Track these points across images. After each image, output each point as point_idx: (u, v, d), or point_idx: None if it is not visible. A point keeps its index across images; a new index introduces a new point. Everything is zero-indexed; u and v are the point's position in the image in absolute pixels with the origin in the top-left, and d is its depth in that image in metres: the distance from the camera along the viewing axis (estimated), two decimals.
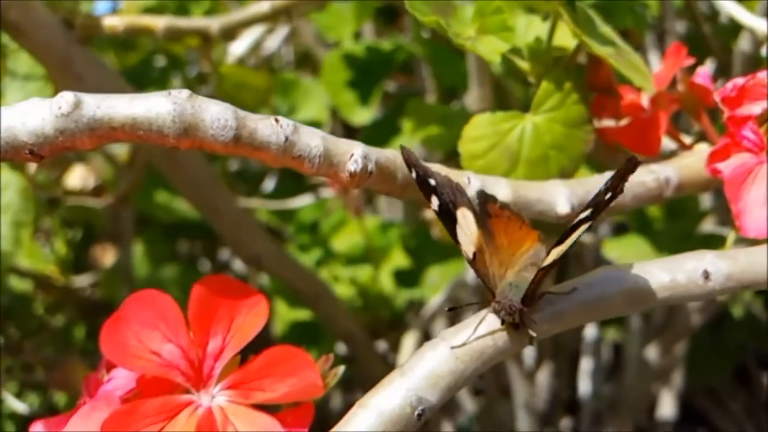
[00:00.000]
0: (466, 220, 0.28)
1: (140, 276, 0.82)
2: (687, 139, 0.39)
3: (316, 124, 0.85)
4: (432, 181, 0.28)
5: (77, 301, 0.84)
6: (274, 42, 0.91)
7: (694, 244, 0.55)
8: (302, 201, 0.84)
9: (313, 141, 0.25)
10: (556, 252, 0.26)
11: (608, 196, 0.26)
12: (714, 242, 0.52)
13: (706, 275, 0.27)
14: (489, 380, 0.79)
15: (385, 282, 0.77)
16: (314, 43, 0.89)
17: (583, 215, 0.26)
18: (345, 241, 0.80)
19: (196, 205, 0.60)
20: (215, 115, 0.24)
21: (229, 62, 0.66)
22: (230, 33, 0.55)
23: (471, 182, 0.30)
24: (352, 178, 0.26)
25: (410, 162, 0.28)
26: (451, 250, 0.77)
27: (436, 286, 0.73)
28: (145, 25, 0.51)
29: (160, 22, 0.51)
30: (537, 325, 0.27)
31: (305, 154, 0.25)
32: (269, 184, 0.92)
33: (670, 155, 0.38)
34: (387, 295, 0.77)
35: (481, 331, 0.26)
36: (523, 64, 0.34)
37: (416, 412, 0.25)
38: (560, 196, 0.31)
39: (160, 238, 0.89)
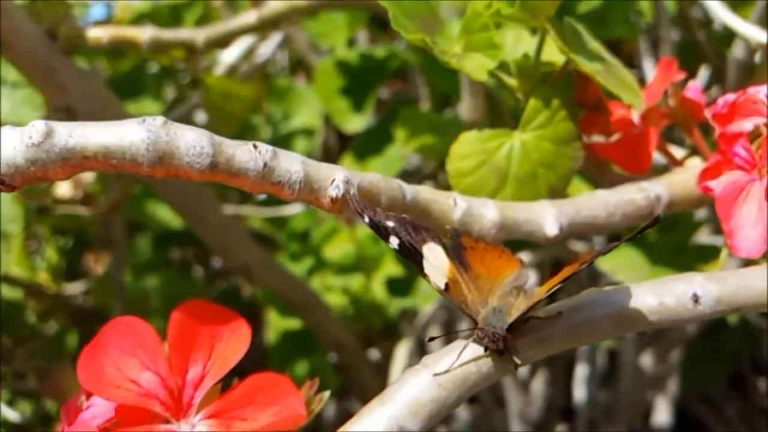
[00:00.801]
0: (433, 254, 0.28)
1: (132, 284, 0.82)
2: (679, 153, 0.39)
3: (309, 130, 0.85)
4: (390, 223, 0.28)
5: (69, 309, 0.84)
6: (267, 49, 0.91)
7: (687, 256, 0.55)
8: (294, 209, 0.83)
9: (293, 166, 0.25)
10: (544, 288, 0.26)
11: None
12: (708, 254, 0.51)
13: (696, 298, 0.27)
14: (483, 389, 0.79)
15: (378, 291, 0.77)
16: (307, 50, 0.88)
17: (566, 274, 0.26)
18: (337, 249, 0.79)
19: (181, 213, 0.59)
20: (191, 142, 0.23)
21: (220, 71, 0.66)
22: (220, 42, 0.54)
23: (458, 204, 0.29)
24: (334, 203, 0.25)
25: (359, 209, 0.28)
26: None
27: (428, 295, 0.73)
28: (130, 37, 0.50)
29: (144, 34, 0.50)
30: (522, 351, 0.26)
31: (285, 180, 0.25)
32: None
33: (661, 170, 0.37)
34: (379, 304, 0.77)
35: (465, 357, 0.26)
36: (511, 81, 0.34)
37: None
38: (548, 217, 0.30)
39: (152, 245, 0.89)
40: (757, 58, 0.55)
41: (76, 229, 0.88)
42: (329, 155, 0.87)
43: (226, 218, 0.64)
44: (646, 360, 0.75)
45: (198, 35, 0.52)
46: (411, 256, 0.28)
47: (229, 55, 0.65)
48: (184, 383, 0.24)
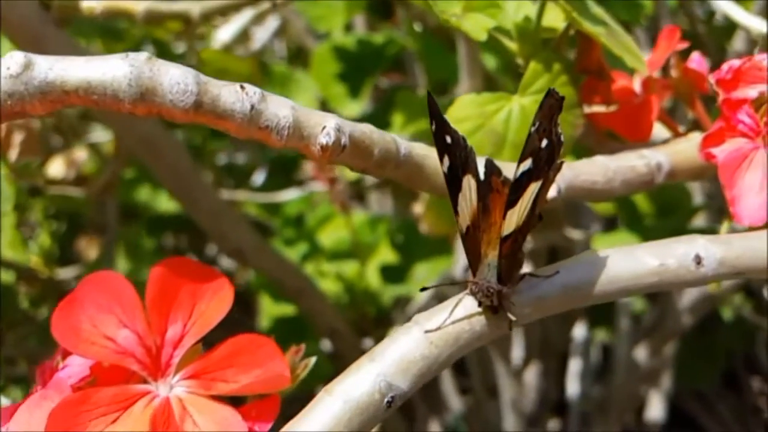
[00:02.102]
0: (470, 189, 0.26)
1: (123, 269, 0.81)
2: (681, 129, 0.38)
3: None
4: (448, 138, 0.26)
5: (61, 294, 0.83)
6: (264, 34, 0.90)
7: None
8: (289, 194, 0.82)
9: (282, 111, 0.24)
10: (511, 216, 0.25)
11: (545, 143, 0.25)
12: None
13: (698, 260, 0.26)
14: (476, 379, 0.78)
15: (372, 278, 0.76)
16: (305, 35, 0.87)
17: (524, 167, 0.24)
18: (331, 235, 0.79)
19: (175, 194, 0.58)
20: (175, 78, 0.22)
21: (214, 48, 0.65)
22: (216, 13, 0.53)
23: None
24: (324, 152, 0.24)
25: (433, 111, 0.26)
26: (439, 245, 0.75)
27: (423, 282, 0.72)
28: (124, 8, 0.49)
29: (139, 5, 0.49)
30: (517, 309, 0.25)
31: (273, 125, 0.23)
32: (259, 178, 0.91)
33: (664, 143, 0.36)
34: (374, 291, 0.76)
35: (458, 314, 0.25)
36: (512, 45, 0.33)
37: (386, 399, 0.23)
38: None
39: (145, 231, 0.88)
40: (757, 51, 0.54)
41: (70, 213, 0.87)
42: None
43: (221, 201, 0.63)
44: (640, 354, 0.75)
45: (194, 7, 0.51)
46: (452, 186, 0.26)
47: (224, 34, 0.64)
48: (163, 342, 0.23)
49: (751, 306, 0.92)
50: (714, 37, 0.68)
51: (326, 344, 0.73)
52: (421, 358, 0.24)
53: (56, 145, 0.80)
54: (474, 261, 0.26)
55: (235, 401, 0.24)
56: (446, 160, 0.26)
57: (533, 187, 0.25)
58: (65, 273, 0.81)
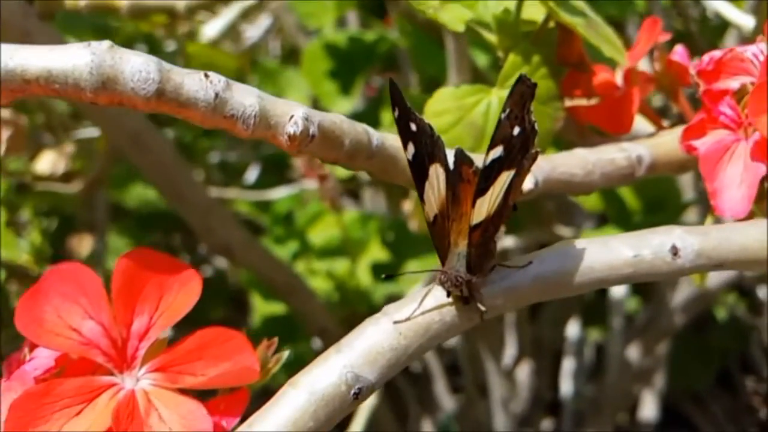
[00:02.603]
0: (437, 179, 0.26)
1: (111, 267, 0.80)
2: (665, 123, 0.37)
3: None
4: (413, 126, 0.26)
5: None
6: (256, 32, 0.90)
7: None
8: (280, 192, 0.82)
9: (248, 99, 0.23)
10: (481, 205, 0.24)
11: (518, 131, 0.24)
12: None
13: (675, 251, 0.25)
14: (468, 379, 0.78)
15: (363, 276, 0.76)
16: (296, 32, 0.87)
17: (494, 154, 0.24)
18: (322, 233, 0.78)
19: (162, 191, 0.58)
20: (136, 66, 0.22)
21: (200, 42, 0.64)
22: (202, 7, 0.52)
23: None
24: (292, 141, 0.24)
25: (394, 98, 0.26)
26: (429, 243, 0.75)
27: (414, 280, 0.71)
28: (109, 2, 0.49)
29: None
30: (489, 300, 0.25)
31: (238, 114, 0.23)
32: (252, 176, 0.91)
33: (649, 136, 0.36)
34: (364, 290, 0.76)
35: (428, 305, 0.24)
36: (491, 37, 0.33)
37: (352, 391, 0.23)
38: None
39: (136, 229, 0.88)
40: None
41: (61, 210, 0.87)
42: None
43: (209, 198, 0.63)
44: (633, 353, 0.74)
45: (179, 1, 0.51)
46: (418, 175, 0.26)
47: (210, 30, 0.64)
48: (129, 334, 0.23)
49: (745, 305, 0.91)
50: (706, 35, 0.68)
51: (318, 342, 0.73)
52: (389, 349, 0.23)
53: (46, 142, 0.79)
54: (443, 251, 0.26)
55: (207, 395, 0.24)
56: (411, 147, 0.26)
57: (505, 176, 0.24)
58: None
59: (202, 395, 0.24)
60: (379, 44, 0.76)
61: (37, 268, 0.79)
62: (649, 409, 0.81)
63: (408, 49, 0.74)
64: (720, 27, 0.69)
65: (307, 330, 0.72)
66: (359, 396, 0.23)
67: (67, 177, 0.75)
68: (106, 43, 0.22)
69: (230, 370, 0.23)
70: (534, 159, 0.26)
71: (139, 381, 0.23)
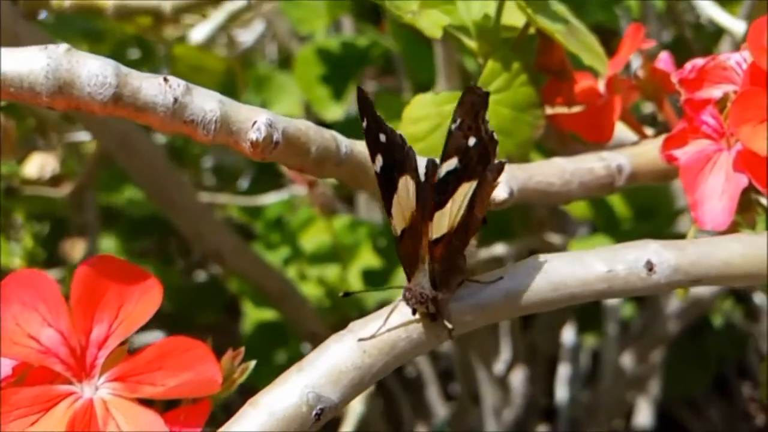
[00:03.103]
0: (407, 191, 0.25)
1: None
2: (649, 132, 0.37)
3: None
4: (382, 137, 0.25)
5: None
6: (249, 36, 0.89)
7: None
8: (271, 198, 0.82)
9: (208, 104, 0.23)
10: (441, 219, 0.23)
11: (473, 141, 0.23)
12: None
13: (650, 266, 0.25)
14: (461, 385, 0.77)
15: (354, 282, 0.75)
16: (289, 37, 0.87)
17: (447, 166, 0.23)
18: (313, 239, 0.78)
19: (150, 194, 0.58)
20: (93, 70, 0.21)
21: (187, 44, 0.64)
22: (189, 9, 0.52)
23: None
24: (255, 148, 0.23)
25: (363, 108, 0.25)
26: None
27: None
28: (94, 3, 0.48)
29: (109, 0, 0.49)
30: (457, 317, 0.24)
31: (198, 119, 0.23)
32: (247, 181, 0.91)
33: (629, 147, 0.35)
34: (356, 296, 0.75)
35: (394, 322, 0.24)
36: (471, 43, 0.32)
37: (314, 412, 0.22)
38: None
39: (129, 233, 0.87)
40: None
41: (54, 215, 0.86)
42: None
43: (199, 203, 0.62)
44: (628, 360, 0.74)
45: (165, 2, 0.50)
46: (386, 187, 0.25)
47: (198, 33, 0.64)
48: (88, 342, 0.23)
49: (742, 312, 0.91)
50: (701, 41, 0.68)
51: (308, 348, 0.73)
52: (353, 368, 0.23)
53: (38, 146, 0.79)
54: (410, 266, 0.25)
55: (171, 405, 0.23)
56: (379, 159, 0.25)
57: (465, 188, 0.24)
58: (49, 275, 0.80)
59: (168, 406, 0.23)
60: (372, 49, 0.76)
61: None
62: (644, 415, 0.81)
63: (400, 53, 0.74)
64: (715, 32, 0.69)
65: (298, 336, 0.72)
66: (321, 417, 0.22)
67: (55, 181, 0.75)
68: (63, 47, 0.22)
69: (191, 381, 0.22)
70: (500, 170, 0.25)
71: (98, 390, 0.23)
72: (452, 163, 0.24)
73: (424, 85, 0.73)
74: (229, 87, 0.75)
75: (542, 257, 0.25)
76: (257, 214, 0.82)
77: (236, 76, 0.71)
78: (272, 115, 0.24)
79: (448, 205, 0.24)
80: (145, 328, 0.23)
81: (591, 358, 0.87)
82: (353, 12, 0.80)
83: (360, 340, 0.24)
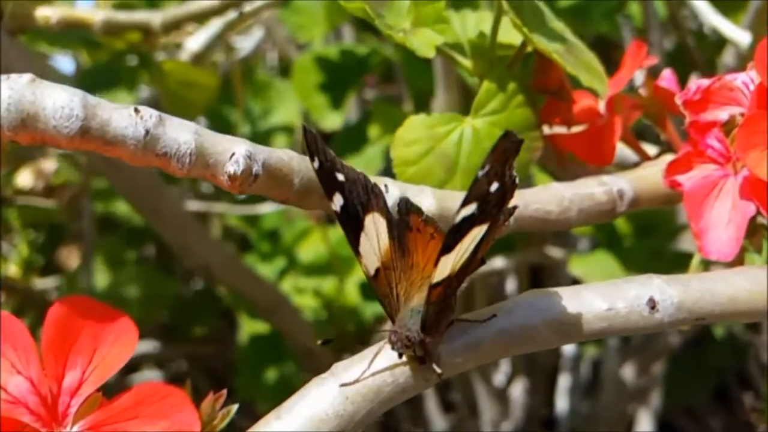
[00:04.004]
0: (376, 228, 0.24)
1: (102, 281, 0.79)
2: (651, 151, 0.36)
3: (288, 127, 0.82)
4: (340, 176, 0.24)
5: (41, 304, 0.81)
6: (248, 43, 0.88)
7: (665, 263, 0.52)
8: (268, 207, 0.80)
9: (182, 136, 0.21)
10: (446, 262, 0.22)
11: (496, 186, 0.22)
12: (687, 261, 0.49)
13: (653, 304, 0.23)
14: (460, 397, 0.76)
15: (351, 294, 0.74)
16: (288, 44, 0.86)
17: (466, 211, 0.22)
18: (310, 250, 0.77)
19: (135, 205, 0.56)
20: (59, 102, 0.20)
21: (184, 58, 0.63)
22: (178, 25, 0.51)
23: (389, 190, 0.25)
24: (233, 181, 0.22)
25: (313, 148, 0.24)
26: None
27: None
28: (80, 18, 0.47)
29: (97, 16, 0.48)
30: (448, 358, 0.23)
31: (172, 152, 0.21)
32: None
33: (632, 168, 0.34)
34: (353, 308, 0.74)
35: (379, 365, 0.22)
36: (466, 62, 0.31)
37: None
38: None
39: (125, 242, 0.87)
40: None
41: (50, 223, 0.86)
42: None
43: (187, 214, 0.61)
44: (629, 372, 0.73)
45: (154, 18, 0.49)
46: (350, 226, 0.24)
47: (194, 42, 0.62)
48: (60, 390, 0.21)
49: (743, 323, 0.90)
50: (704, 50, 0.67)
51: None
52: (334, 416, 0.21)
53: (32, 156, 0.78)
54: (390, 307, 0.24)
55: None
56: (338, 198, 0.24)
57: (476, 232, 0.22)
58: (45, 283, 0.79)
59: None
60: (371, 57, 0.75)
61: (24, 281, 0.78)
62: (645, 426, 0.80)
63: (400, 62, 0.73)
64: (718, 42, 0.68)
65: (292, 350, 0.70)
66: None
67: (49, 191, 0.74)
68: (26, 77, 0.20)
69: (169, 430, 0.21)
70: (511, 214, 0.24)
71: None
72: (470, 208, 0.22)
73: (424, 93, 0.72)
74: (226, 96, 0.74)
75: (538, 293, 0.24)
76: (254, 223, 0.81)
77: (233, 86, 0.70)
78: (252, 145, 0.22)
79: (456, 248, 0.22)
80: (140, 338, 0.22)
81: (591, 369, 0.86)
82: (353, 20, 0.79)
83: (342, 385, 0.22)
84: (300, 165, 0.24)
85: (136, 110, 0.21)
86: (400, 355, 0.23)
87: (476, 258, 0.23)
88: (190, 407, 0.21)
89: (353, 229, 0.24)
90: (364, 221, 0.24)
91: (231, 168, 0.22)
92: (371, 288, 0.24)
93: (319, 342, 0.24)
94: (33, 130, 0.20)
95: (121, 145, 0.21)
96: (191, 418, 0.21)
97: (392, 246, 0.24)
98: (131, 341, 0.21)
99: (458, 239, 0.22)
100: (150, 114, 0.21)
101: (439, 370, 0.23)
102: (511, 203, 0.27)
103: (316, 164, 0.24)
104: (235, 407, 0.23)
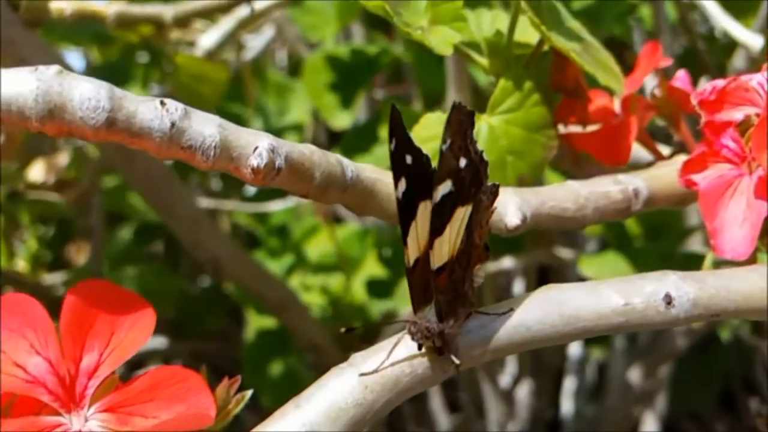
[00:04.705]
0: (424, 218, 0.24)
1: (112, 277, 0.80)
2: (665, 152, 0.36)
3: (299, 126, 0.83)
4: (409, 159, 0.24)
5: (49, 300, 0.81)
6: (259, 42, 0.88)
7: (675, 264, 0.52)
8: (277, 205, 0.81)
9: (207, 129, 0.22)
10: (441, 246, 0.22)
11: (464, 163, 0.22)
12: (697, 263, 0.49)
13: (669, 300, 0.24)
14: (466, 397, 0.76)
15: (358, 292, 0.74)
16: (299, 43, 0.86)
17: (443, 189, 0.22)
18: (318, 247, 0.77)
19: (148, 200, 0.57)
20: (86, 94, 0.20)
21: (196, 55, 0.63)
22: (190, 19, 0.51)
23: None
24: (256, 174, 0.22)
25: (394, 128, 0.24)
26: None
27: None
28: (94, 10, 0.48)
29: (110, 9, 0.48)
30: (465, 351, 0.23)
31: (197, 145, 0.21)
32: (252, 187, 0.90)
33: (646, 167, 0.34)
34: (360, 306, 0.74)
35: (398, 355, 0.23)
36: (482, 60, 0.31)
37: None
38: (510, 206, 0.27)
39: (134, 237, 0.87)
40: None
41: (60, 218, 0.86)
42: None
43: (198, 209, 0.61)
44: (635, 375, 0.73)
45: (166, 11, 0.50)
46: (405, 213, 0.24)
47: (207, 39, 0.63)
48: (77, 371, 0.22)
49: (749, 327, 0.90)
50: (714, 53, 0.67)
51: (310, 358, 0.72)
52: (353, 406, 0.22)
53: (42, 150, 0.78)
54: (418, 298, 0.24)
55: None
56: (402, 183, 0.24)
57: (460, 213, 0.23)
58: (53, 278, 0.79)
59: None
60: (381, 57, 0.75)
61: (33, 276, 0.79)
62: (650, 429, 0.80)
63: (411, 62, 0.73)
64: (729, 45, 0.68)
65: (299, 346, 0.71)
66: None
67: (60, 185, 0.74)
68: (53, 68, 0.21)
69: (184, 413, 0.21)
70: (495, 193, 0.24)
71: (87, 422, 0.22)
72: (447, 186, 0.23)
73: (435, 94, 0.72)
74: (236, 94, 0.75)
75: (555, 287, 0.24)
76: (264, 220, 0.82)
77: (244, 84, 0.70)
78: (275, 139, 0.23)
79: (447, 231, 0.23)
80: None
81: (597, 372, 0.86)
82: (363, 19, 0.79)
83: (362, 375, 0.22)
84: (321, 159, 0.24)
85: (162, 103, 0.21)
86: (420, 346, 0.23)
87: (473, 243, 0.23)
88: (206, 391, 0.21)
89: (407, 218, 0.24)
90: (417, 210, 0.24)
91: (254, 161, 0.22)
92: (407, 280, 0.24)
93: (342, 330, 0.24)
94: (60, 121, 0.20)
95: (147, 137, 0.21)
96: (207, 401, 0.21)
97: (429, 236, 0.24)
98: (148, 325, 0.22)
99: (444, 220, 0.23)
100: (176, 107, 0.21)
101: (457, 361, 0.23)
102: (529, 200, 0.28)
103: (393, 145, 0.24)
104: (249, 392, 0.23)
